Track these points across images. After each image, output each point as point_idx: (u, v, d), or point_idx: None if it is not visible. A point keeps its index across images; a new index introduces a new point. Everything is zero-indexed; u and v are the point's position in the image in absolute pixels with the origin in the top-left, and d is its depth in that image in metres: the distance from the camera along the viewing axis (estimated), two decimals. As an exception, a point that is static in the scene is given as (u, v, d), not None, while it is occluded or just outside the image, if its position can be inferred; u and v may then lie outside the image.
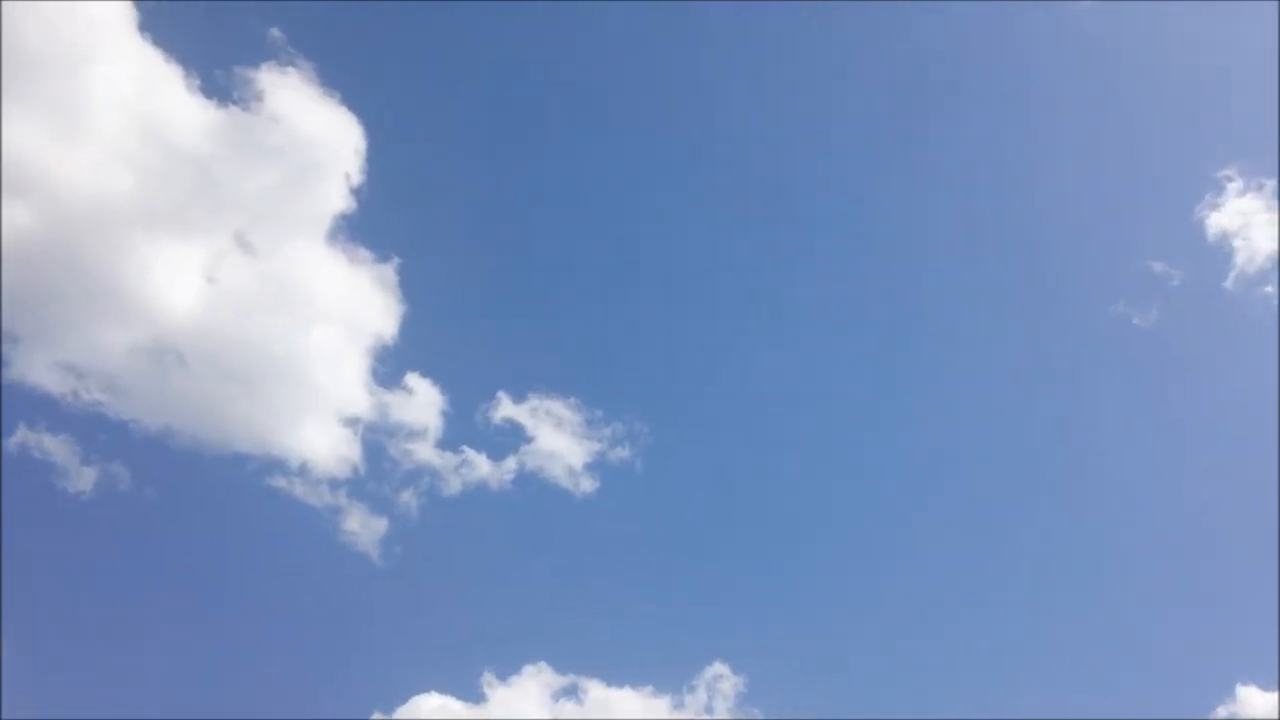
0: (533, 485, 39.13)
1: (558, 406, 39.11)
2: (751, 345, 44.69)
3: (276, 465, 34.49)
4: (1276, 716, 31.77)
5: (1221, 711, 32.26)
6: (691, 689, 35.35)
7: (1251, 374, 40.80)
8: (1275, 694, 31.95)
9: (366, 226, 36.69)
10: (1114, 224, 43.57)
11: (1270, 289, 37.75)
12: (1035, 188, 43.79)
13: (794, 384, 45.15)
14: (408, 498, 36.15)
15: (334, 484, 35.19)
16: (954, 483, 41.93)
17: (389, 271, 36.54)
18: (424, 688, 33.74)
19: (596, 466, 39.10)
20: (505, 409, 38.16)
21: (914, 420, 43.09)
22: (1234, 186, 38.61)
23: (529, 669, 35.46)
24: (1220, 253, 38.91)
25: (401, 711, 33.40)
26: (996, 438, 42.97)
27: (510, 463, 38.06)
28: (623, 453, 39.78)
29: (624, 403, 42.59)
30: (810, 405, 43.84)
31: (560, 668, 35.05)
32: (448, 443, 37.50)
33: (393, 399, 36.28)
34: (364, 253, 36.43)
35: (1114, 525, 40.55)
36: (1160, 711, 34.92)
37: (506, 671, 34.98)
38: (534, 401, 38.40)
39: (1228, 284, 38.99)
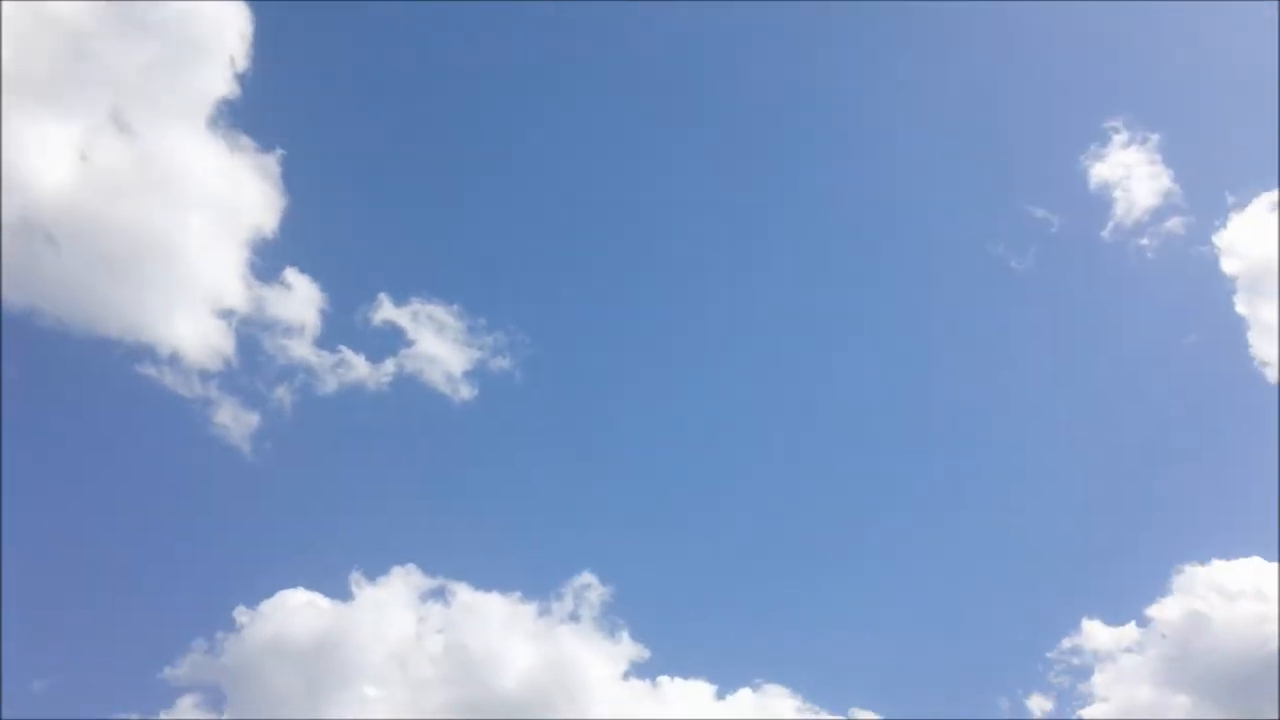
0: (410, 389, 38.96)
1: (440, 312, 38.80)
2: (636, 263, 44.92)
3: (146, 352, 33.79)
4: (1117, 648, 33.50)
5: (1066, 643, 33.80)
6: (559, 596, 35.83)
7: (1122, 323, 42.47)
8: (1117, 628, 33.72)
9: (250, 114, 35.54)
10: (998, 167, 44.42)
11: (1146, 240, 39.18)
12: (924, 127, 44.02)
13: (674, 302, 45.50)
14: (282, 394, 35.71)
15: (205, 376, 34.60)
16: (825, 407, 42.95)
17: (271, 162, 35.58)
18: (290, 583, 33.70)
19: (476, 374, 39.04)
20: (386, 311, 37.80)
21: (790, 345, 43.96)
22: (1119, 138, 39.41)
23: (398, 570, 35.61)
24: (1100, 202, 39.83)
25: (266, 606, 33.36)
26: (867, 367, 44.12)
27: (388, 365, 37.77)
28: (503, 362, 39.79)
29: (508, 313, 42.43)
30: (689, 322, 44.28)
31: (429, 570, 35.31)
32: (325, 341, 37.05)
33: (270, 294, 35.65)
34: (246, 141, 35.41)
35: (975, 462, 42.04)
36: (1013, 642, 36.74)
37: (375, 571, 35.10)
38: (415, 306, 38.13)
39: (1105, 234, 40.08)
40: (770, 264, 44.52)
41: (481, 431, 40.84)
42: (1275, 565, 32.14)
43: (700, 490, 42.37)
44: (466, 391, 38.56)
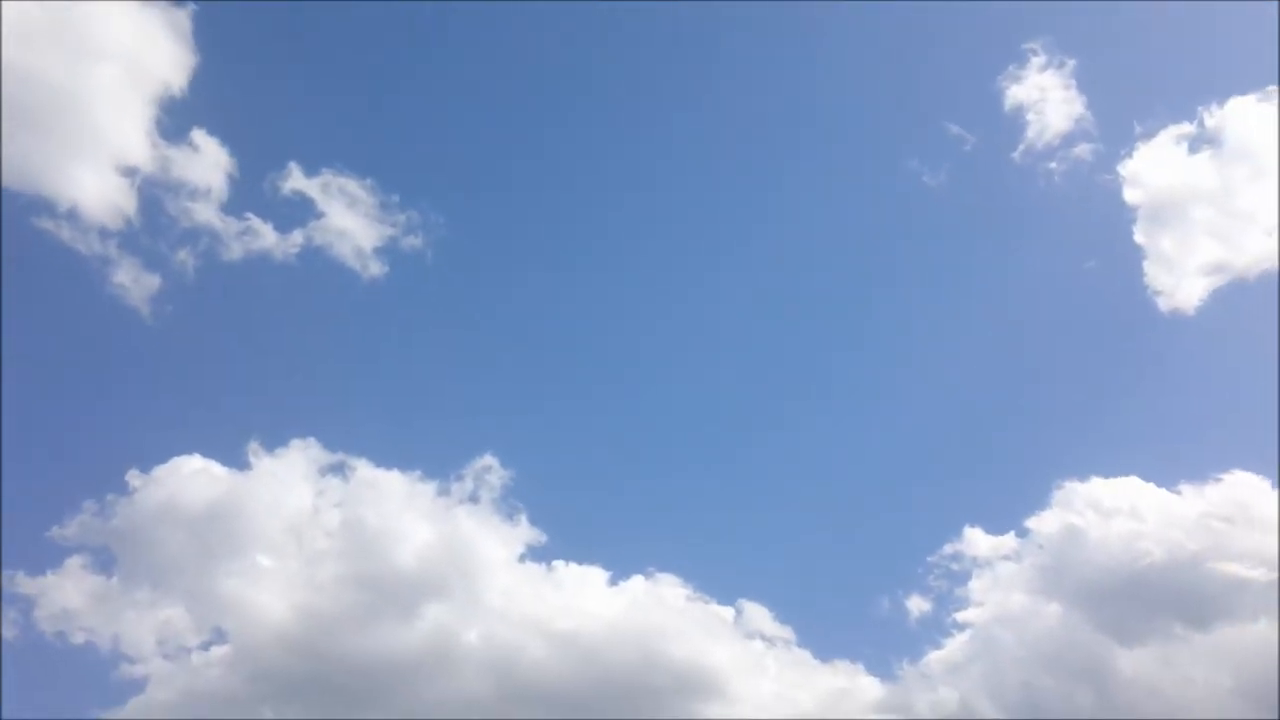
0: (318, 262, 38.34)
1: (353, 186, 38.07)
2: (554, 152, 44.41)
3: (44, 206, 32.83)
4: (996, 556, 34.81)
5: (948, 548, 34.83)
6: (459, 478, 36.02)
7: (1025, 243, 43.31)
8: (997, 537, 34.96)
9: (162, -35, 34.25)
10: (918, 82, 44.60)
11: (1054, 165, 39.78)
12: (848, 39, 44.34)
13: (590, 194, 45.28)
14: (184, 257, 35.01)
15: (105, 234, 33.79)
16: (731, 303, 43.36)
17: (183, 18, 34.25)
18: (186, 449, 33.39)
19: (387, 252, 38.54)
20: (296, 180, 37.03)
21: (699, 242, 44.15)
22: (1037, 60, 39.43)
23: (297, 442, 35.44)
24: (1014, 124, 40.02)
25: (160, 471, 33.02)
26: (773, 269, 44.47)
27: (296, 236, 37.22)
28: (415, 241, 39.29)
29: (423, 192, 41.86)
30: (602, 215, 44.19)
31: (330, 445, 35.18)
32: (232, 207, 36.38)
33: (176, 154, 34.67)
34: (158, -7, 34.22)
35: (874, 366, 42.94)
36: (898, 544, 37.89)
37: (274, 443, 34.95)
38: (328, 177, 37.40)
39: (1016, 155, 40.31)
40: (683, 161, 44.69)
41: (389, 310, 40.51)
42: (1151, 485, 33.59)
43: (604, 381, 42.73)
44: (376, 268, 38.14)
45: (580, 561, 34.90)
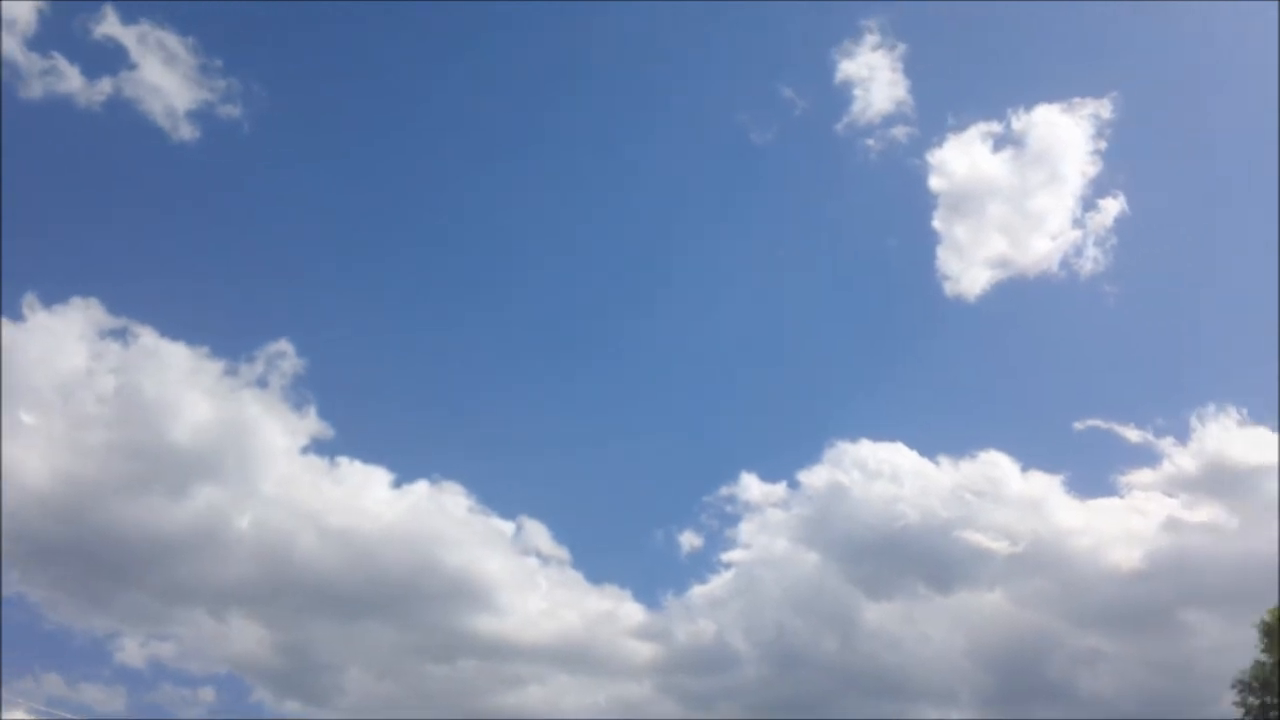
0: (125, 115, 36.23)
1: (173, 41, 36.25)
2: (381, 40, 43.48)
3: None
4: (766, 503, 36.43)
5: (724, 490, 36.00)
6: (250, 359, 34.97)
7: (835, 212, 45.22)
8: (770, 485, 36.48)
9: None
10: (757, 41, 45.66)
11: (872, 142, 41.26)
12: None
13: (428, 97, 44.60)
14: (-22, 87, 32.65)
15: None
16: (541, 226, 43.78)
17: None
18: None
19: (201, 117, 36.79)
20: (111, 25, 35.24)
21: (525, 163, 44.25)
22: (871, 39, 40.49)
23: (78, 301, 33.93)
24: (841, 97, 41.27)
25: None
26: (589, 200, 45.04)
27: (105, 85, 35.42)
28: (233, 111, 37.58)
29: (250, 62, 40.08)
30: (429, 120, 43.57)
31: (113, 308, 33.77)
32: (38, 44, 34.57)
33: (-19, -24, 32.06)
34: None
35: (677, 310, 44.15)
36: (677, 481, 39.24)
37: (52, 298, 33.30)
38: (146, 27, 35.66)
39: (839, 127, 41.67)
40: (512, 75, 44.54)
41: (195, 176, 38.81)
42: (914, 454, 35.79)
43: (415, 285, 42.36)
44: (187, 132, 36.39)
45: (366, 460, 34.55)
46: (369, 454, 34.77)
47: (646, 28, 44.83)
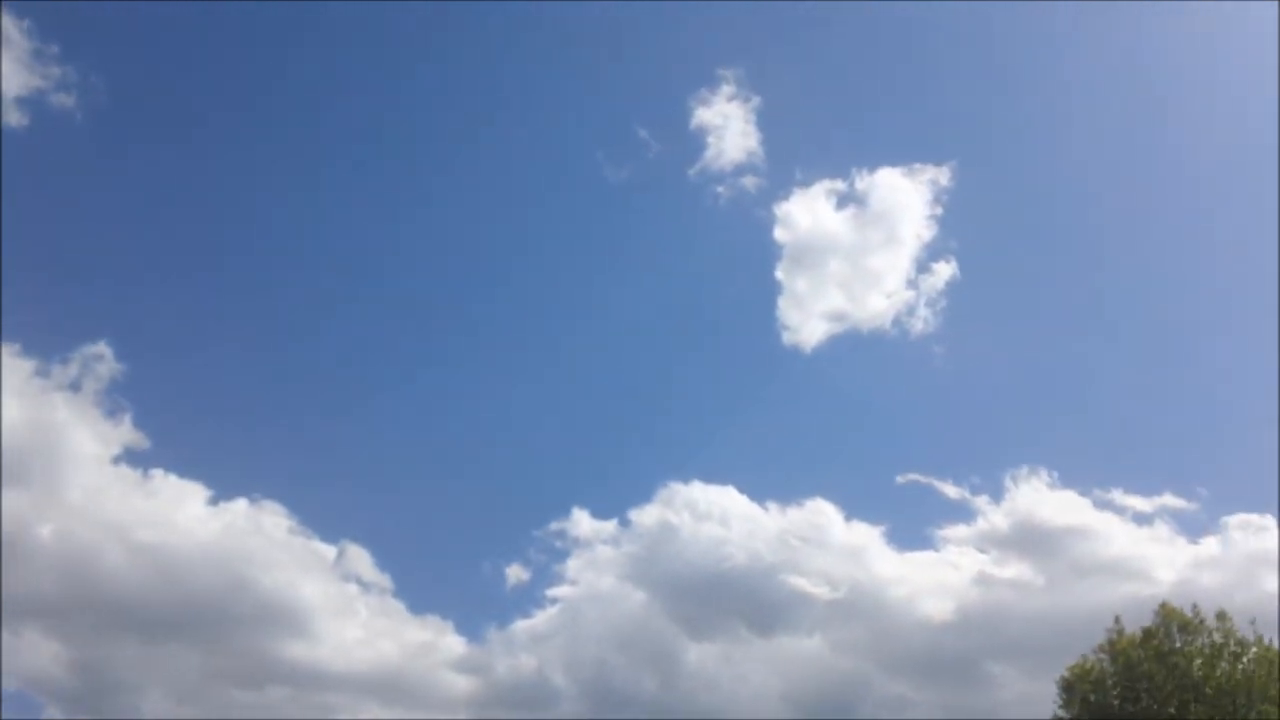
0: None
1: (8, 24, 35.02)
2: (233, 49, 42.38)
3: None
4: (597, 539, 36.34)
5: (555, 525, 35.97)
6: (64, 360, 33.71)
7: (681, 255, 45.78)
8: (601, 522, 36.44)
9: None
10: (616, 80, 46.30)
11: (722, 189, 41.97)
12: (558, 32, 45.90)
13: (269, 100, 43.62)
14: None
15: None
16: (390, 248, 43.21)
17: None
18: None
19: (32, 103, 35.34)
20: (-63, -1, 33.49)
21: (381, 167, 43.54)
22: (727, 89, 41.32)
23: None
24: (695, 142, 42.04)
25: None
26: (438, 225, 44.74)
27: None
28: (66, 100, 36.00)
29: (88, 50, 38.42)
30: (276, 122, 42.69)
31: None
32: None
33: None
34: None
35: (516, 341, 44.03)
36: (510, 515, 39.24)
37: None
38: (-16, 4, 34.03)
39: (692, 172, 42.36)
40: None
41: (20, 164, 36.84)
42: (744, 498, 36.26)
43: (243, 293, 41.13)
44: (15, 118, 34.84)
45: (182, 475, 33.26)
46: (186, 468, 33.43)
47: (513, 50, 44.84)
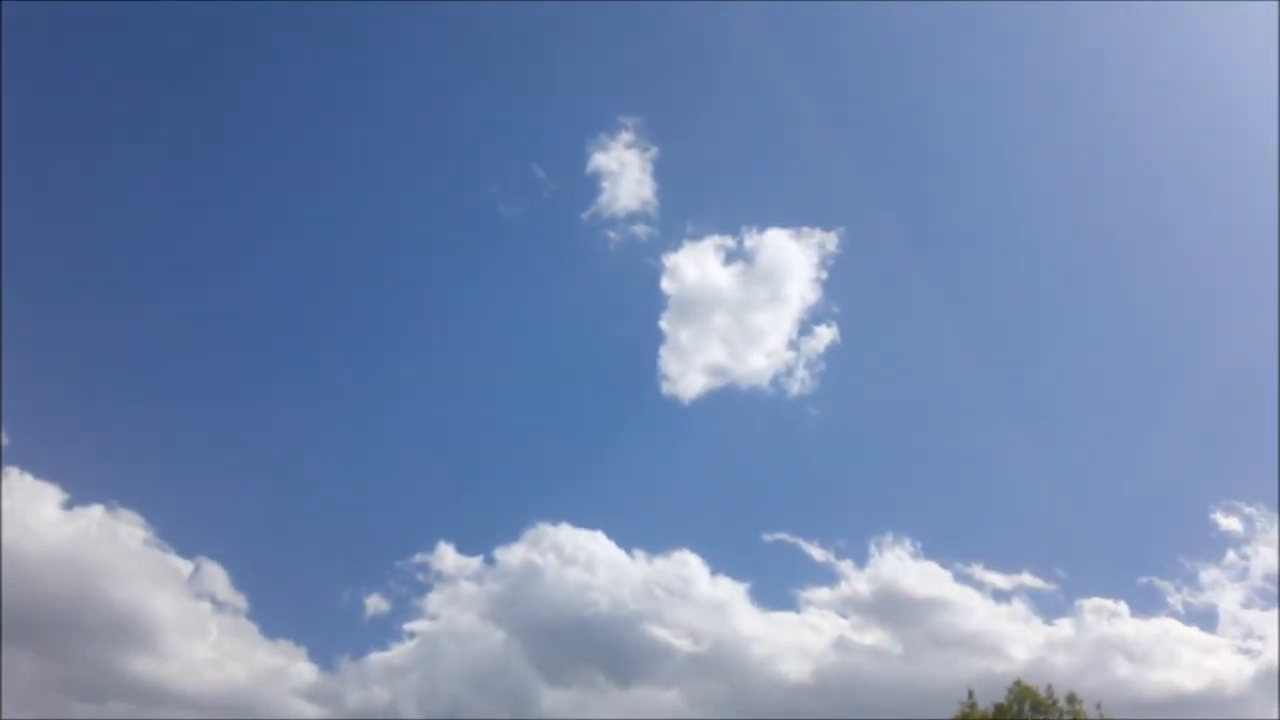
0: None
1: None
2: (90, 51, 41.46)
3: None
4: (460, 575, 35.93)
5: (419, 558, 35.66)
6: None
7: (567, 298, 45.91)
8: (466, 557, 36.08)
9: None
10: (514, 117, 46.58)
11: (613, 235, 42.33)
12: (467, 58, 46.49)
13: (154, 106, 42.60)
14: None
15: None
16: (283, 265, 42.43)
17: None
18: None
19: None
20: None
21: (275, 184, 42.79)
22: (626, 136, 42.13)
23: None
24: (591, 186, 42.46)
25: None
26: (333, 248, 44.22)
27: None
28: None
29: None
30: (152, 114, 41.62)
31: None
32: None
33: None
34: None
35: (407, 374, 43.56)
36: (372, 547, 38.53)
37: None
38: None
39: (585, 215, 42.84)
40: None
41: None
42: (612, 544, 36.29)
43: (114, 291, 39.88)
44: None
45: (37, 475, 32.01)
46: (41, 469, 32.08)
47: (417, 73, 44.84)
